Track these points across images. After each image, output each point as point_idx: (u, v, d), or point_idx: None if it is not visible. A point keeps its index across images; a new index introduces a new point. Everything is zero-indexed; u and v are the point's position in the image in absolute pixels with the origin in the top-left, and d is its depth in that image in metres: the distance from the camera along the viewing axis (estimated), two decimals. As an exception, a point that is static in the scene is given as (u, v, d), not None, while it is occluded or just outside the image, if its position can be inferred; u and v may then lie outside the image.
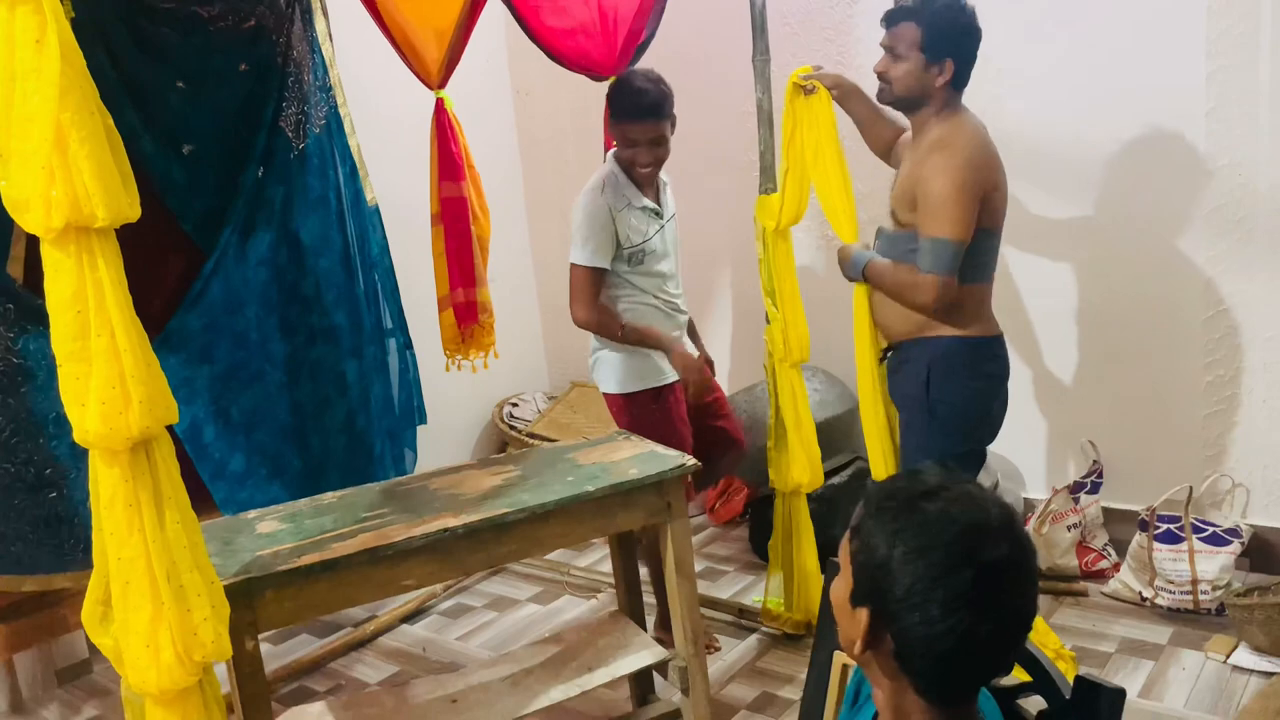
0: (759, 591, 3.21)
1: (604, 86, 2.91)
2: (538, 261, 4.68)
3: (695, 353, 2.86)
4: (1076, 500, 3.20)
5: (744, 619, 3.14)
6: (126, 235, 1.49)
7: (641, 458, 2.34)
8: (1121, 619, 2.94)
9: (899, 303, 2.43)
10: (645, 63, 3.03)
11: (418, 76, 3.09)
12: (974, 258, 2.33)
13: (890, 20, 2.37)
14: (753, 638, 3.06)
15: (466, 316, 3.29)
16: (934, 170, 2.30)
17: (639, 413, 2.80)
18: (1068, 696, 1.21)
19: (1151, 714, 2.48)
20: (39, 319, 2.44)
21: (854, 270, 2.54)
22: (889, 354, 2.58)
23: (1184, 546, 2.92)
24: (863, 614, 1.05)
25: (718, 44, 3.60)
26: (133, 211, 1.47)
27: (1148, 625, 2.89)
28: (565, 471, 2.30)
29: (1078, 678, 1.21)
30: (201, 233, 2.87)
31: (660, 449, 2.41)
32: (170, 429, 1.56)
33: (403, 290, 3.26)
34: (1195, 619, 2.88)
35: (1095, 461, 3.25)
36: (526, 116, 4.56)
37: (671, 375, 2.83)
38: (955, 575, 0.99)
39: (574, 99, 4.09)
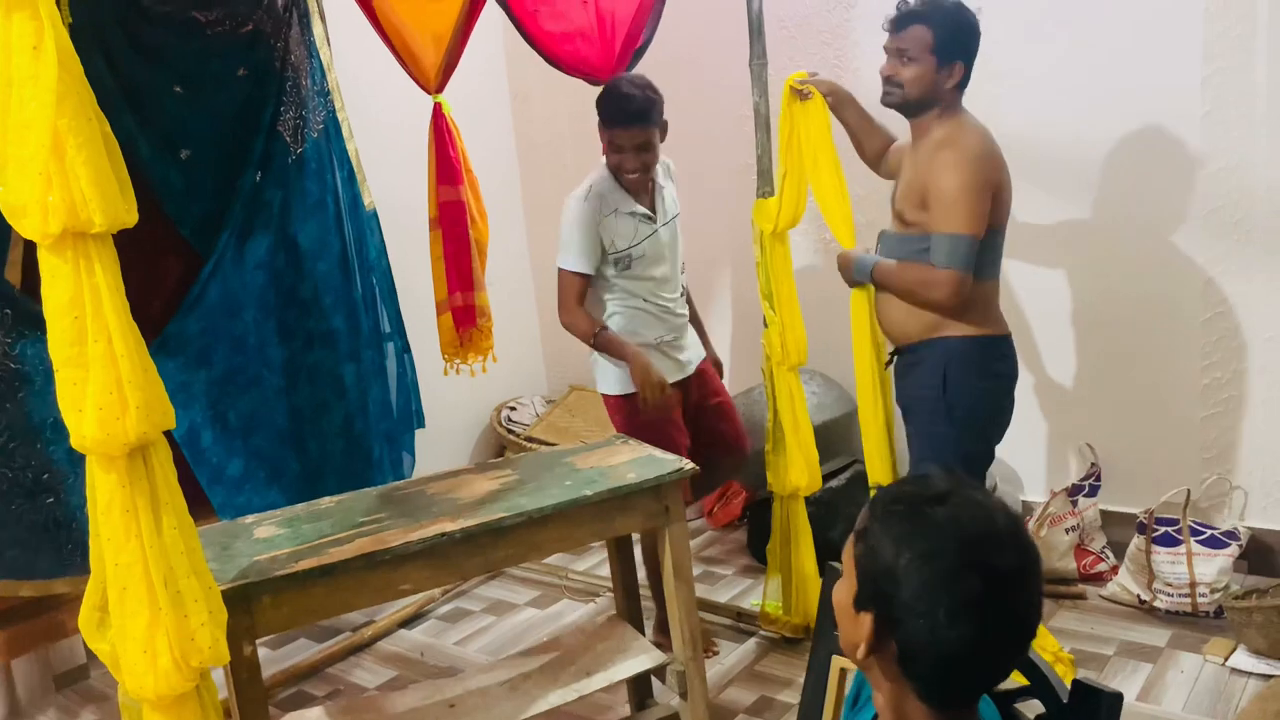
0: (757, 595, 3.20)
1: (601, 91, 2.91)
2: (536, 265, 4.68)
3: (659, 369, 2.77)
4: (1075, 503, 3.20)
5: (742, 622, 3.14)
6: (124, 239, 1.49)
7: (639, 462, 2.34)
8: (1120, 622, 2.94)
9: (912, 302, 2.41)
10: (643, 66, 3.03)
11: (415, 81, 3.10)
12: (983, 255, 2.34)
13: (900, 24, 2.36)
14: (751, 641, 3.05)
15: (465, 320, 3.30)
16: (945, 167, 2.30)
17: (634, 413, 2.80)
18: (1065, 701, 1.20)
19: (1150, 717, 2.48)
20: (36, 324, 2.44)
21: (860, 273, 2.53)
22: (895, 357, 2.57)
23: (1182, 549, 2.93)
24: (866, 619, 1.04)
25: (715, 48, 3.60)
26: (130, 217, 1.47)
27: (1146, 628, 2.89)
28: (563, 476, 2.30)
29: (1075, 681, 1.21)
30: (199, 237, 2.87)
31: (658, 453, 2.41)
32: (168, 434, 1.56)
33: (401, 294, 3.27)
34: (1193, 621, 2.88)
35: (1093, 464, 3.25)
36: (524, 121, 4.57)
37: (671, 377, 2.83)
38: (962, 583, 0.98)
39: (572, 103, 4.09)
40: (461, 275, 3.25)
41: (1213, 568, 2.88)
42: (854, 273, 2.56)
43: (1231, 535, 2.94)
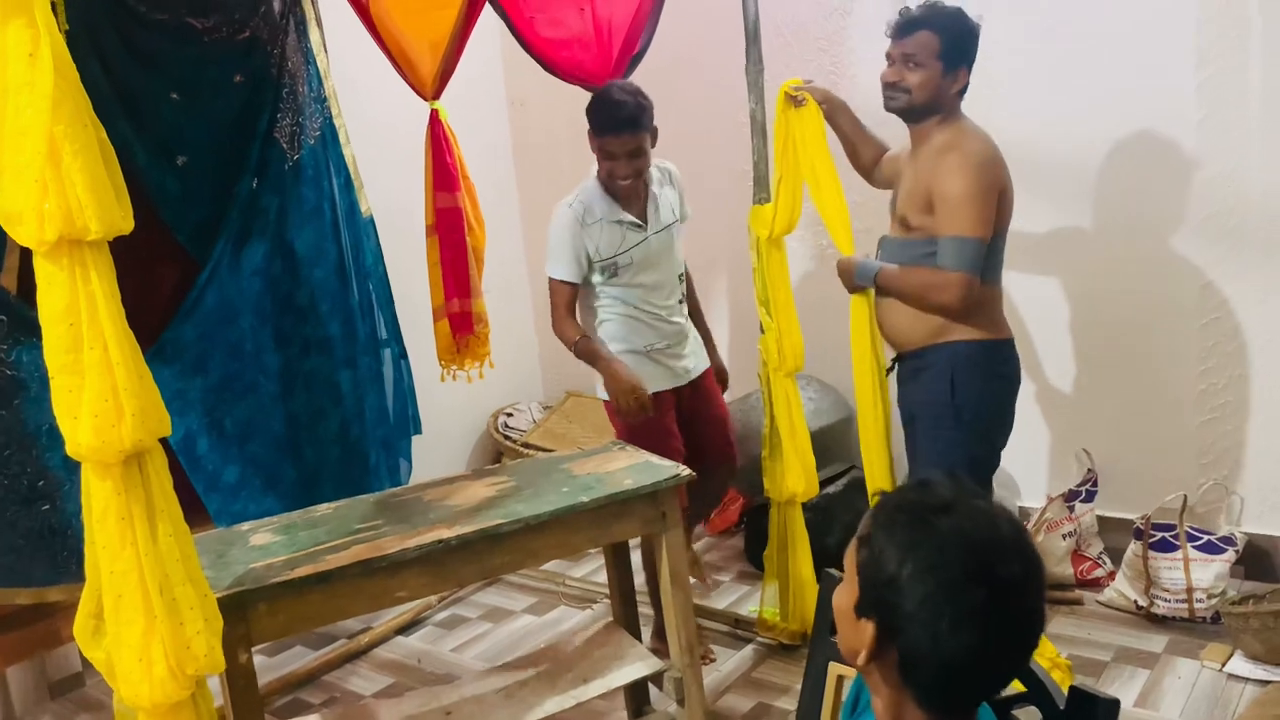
0: (754, 601, 3.20)
1: (597, 97, 2.91)
2: (533, 272, 4.68)
3: (636, 377, 2.72)
4: (1071, 509, 3.20)
5: (739, 629, 3.13)
6: (120, 246, 1.49)
7: (636, 468, 2.34)
8: (1117, 627, 2.94)
9: (918, 306, 2.41)
10: (640, 72, 3.03)
11: (412, 87, 3.10)
12: (987, 259, 2.34)
13: (905, 29, 2.36)
14: (748, 648, 3.05)
15: (461, 327, 3.29)
16: (951, 171, 2.30)
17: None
18: (1063, 707, 1.20)
19: (1147, 723, 2.48)
20: (32, 331, 2.43)
21: (863, 278, 2.53)
22: (897, 364, 2.57)
23: (1179, 554, 2.93)
24: (868, 626, 1.04)
25: (712, 54, 3.61)
26: (126, 224, 1.47)
27: (1143, 634, 2.89)
28: (560, 482, 2.30)
29: (1072, 688, 1.21)
30: (196, 244, 2.86)
31: (655, 459, 2.40)
32: (164, 441, 1.56)
33: (398, 300, 3.27)
34: (1190, 627, 2.88)
35: (1090, 470, 3.25)
36: (521, 127, 4.57)
37: (661, 384, 2.83)
38: (967, 593, 0.98)
39: (569, 109, 4.06)
40: (458, 281, 3.25)
41: (1210, 573, 2.88)
42: (856, 278, 2.55)
43: (1228, 541, 2.94)
